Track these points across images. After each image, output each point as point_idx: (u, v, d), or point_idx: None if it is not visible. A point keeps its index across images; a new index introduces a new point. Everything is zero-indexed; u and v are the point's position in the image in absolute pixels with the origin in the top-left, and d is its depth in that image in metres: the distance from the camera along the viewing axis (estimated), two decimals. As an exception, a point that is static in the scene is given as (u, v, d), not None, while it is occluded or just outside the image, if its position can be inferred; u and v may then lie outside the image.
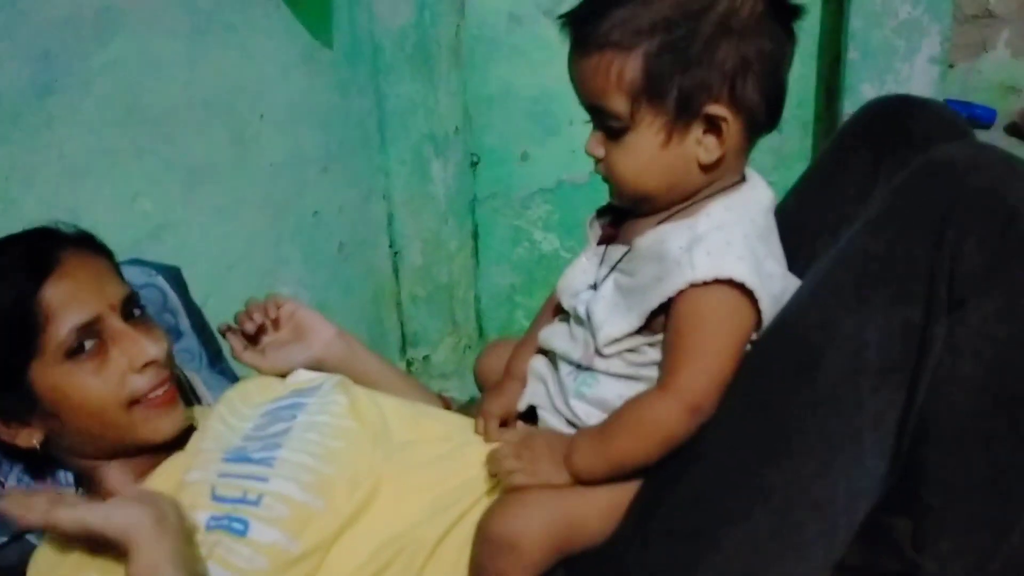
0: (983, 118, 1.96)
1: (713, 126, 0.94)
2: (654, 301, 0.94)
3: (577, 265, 1.07)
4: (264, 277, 1.83)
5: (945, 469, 0.89)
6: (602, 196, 2.24)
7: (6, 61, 1.25)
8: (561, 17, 0.97)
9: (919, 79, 1.87)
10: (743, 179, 1.00)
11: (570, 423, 1.04)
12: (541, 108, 2.32)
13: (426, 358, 2.43)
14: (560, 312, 1.11)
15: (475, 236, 2.49)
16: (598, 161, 0.98)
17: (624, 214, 1.05)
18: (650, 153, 0.95)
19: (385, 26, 2.15)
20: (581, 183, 2.37)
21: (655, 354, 0.98)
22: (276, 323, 1.29)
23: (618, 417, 0.97)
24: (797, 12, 0.94)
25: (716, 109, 0.93)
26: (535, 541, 0.96)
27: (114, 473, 1.09)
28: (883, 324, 0.85)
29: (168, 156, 1.55)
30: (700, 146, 0.95)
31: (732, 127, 0.93)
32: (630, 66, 0.92)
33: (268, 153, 1.81)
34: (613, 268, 1.01)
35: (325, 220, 2.03)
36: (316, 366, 1.28)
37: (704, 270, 0.91)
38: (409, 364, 2.40)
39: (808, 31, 2.06)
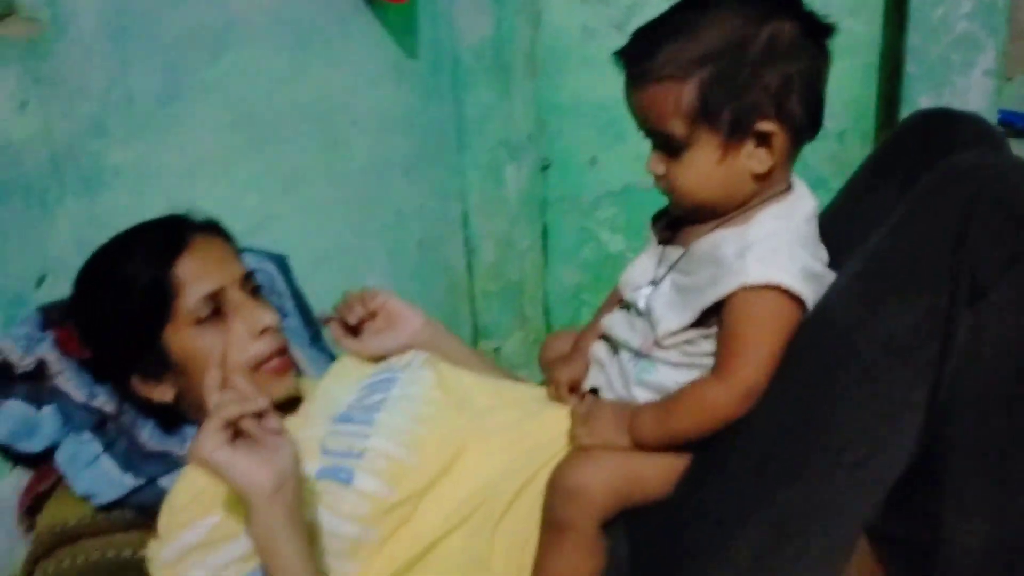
0: (1036, 128, 2.03)
1: (763, 140, 1.04)
2: (708, 300, 1.05)
3: (638, 262, 1.18)
4: (351, 270, 1.97)
5: (967, 436, 0.98)
6: (665, 200, 2.36)
7: (140, 71, 1.41)
8: (616, 54, 1.07)
9: (975, 91, 1.93)
10: (789, 187, 1.10)
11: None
12: (609, 116, 2.40)
13: (497, 350, 2.53)
14: (622, 303, 1.22)
15: (545, 236, 2.59)
16: (659, 177, 1.09)
17: (681, 218, 1.15)
18: (708, 168, 1.04)
19: (465, 39, 2.27)
20: (646, 188, 2.40)
21: (708, 346, 1.08)
22: (372, 314, 1.42)
23: (680, 397, 1.07)
24: (829, 30, 1.04)
25: (765, 125, 1.03)
26: (599, 491, 1.08)
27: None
28: (911, 313, 0.95)
29: (271, 158, 1.70)
30: (752, 159, 1.04)
31: (780, 140, 1.04)
32: (686, 95, 1.01)
33: (357, 157, 1.95)
34: (671, 268, 1.11)
35: (406, 219, 2.16)
36: (406, 350, 1.42)
37: (755, 275, 1.01)
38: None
39: (870, 46, 2.15)
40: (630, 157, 2.44)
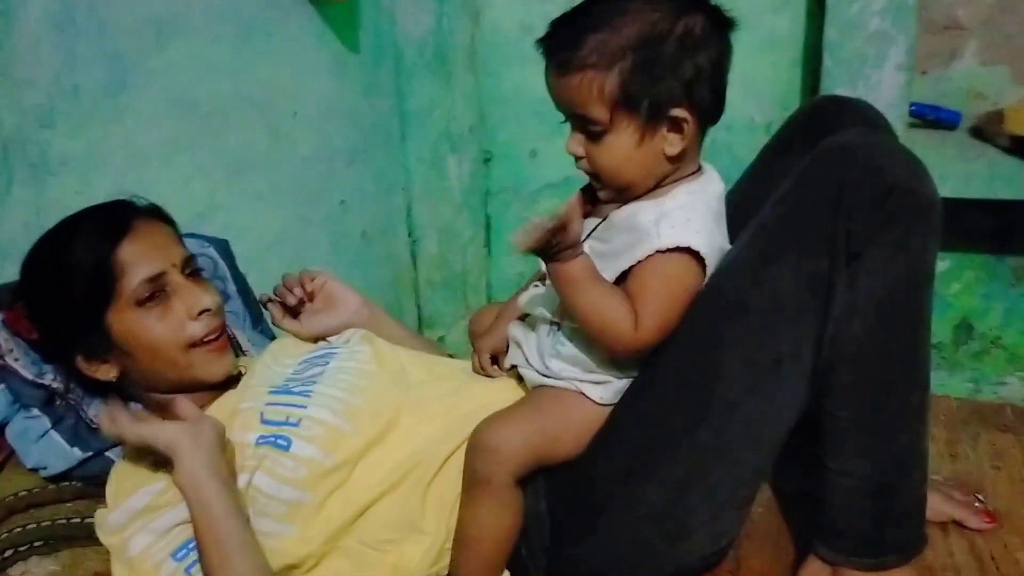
0: (948, 120, 2.12)
1: (676, 125, 1.11)
2: (624, 264, 1.13)
3: None
4: (295, 258, 2.00)
5: (847, 385, 1.09)
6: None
7: (86, 63, 1.44)
8: (538, 42, 1.14)
9: (887, 84, 2.03)
10: (700, 169, 1.18)
11: (545, 376, 1.23)
12: (549, 109, 2.40)
13: (441, 339, 2.59)
14: (542, 279, 1.30)
15: (487, 227, 2.66)
16: (579, 158, 1.15)
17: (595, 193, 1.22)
18: (627, 151, 1.11)
19: (407, 33, 2.34)
20: (586, 179, 2.53)
21: None
22: (311, 295, 1.49)
23: (609, 292, 1.12)
24: (732, 23, 1.13)
25: (679, 112, 1.10)
26: (513, 449, 1.16)
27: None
28: (795, 275, 1.05)
29: (215, 147, 1.74)
30: (666, 142, 1.12)
31: (690, 124, 1.12)
32: (608, 83, 1.08)
33: (300, 147, 2.01)
34: (588, 235, 1.19)
35: (350, 209, 2.22)
36: (345, 330, 1.49)
37: (668, 239, 1.10)
38: (424, 339, 2.58)
39: (793, 41, 2.24)
40: (568, 149, 2.52)
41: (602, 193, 1.17)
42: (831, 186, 1.03)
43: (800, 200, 1.07)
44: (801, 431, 1.13)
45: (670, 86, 1.09)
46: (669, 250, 1.10)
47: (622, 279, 1.15)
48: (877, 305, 1.05)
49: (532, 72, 2.41)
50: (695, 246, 1.10)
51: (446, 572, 1.21)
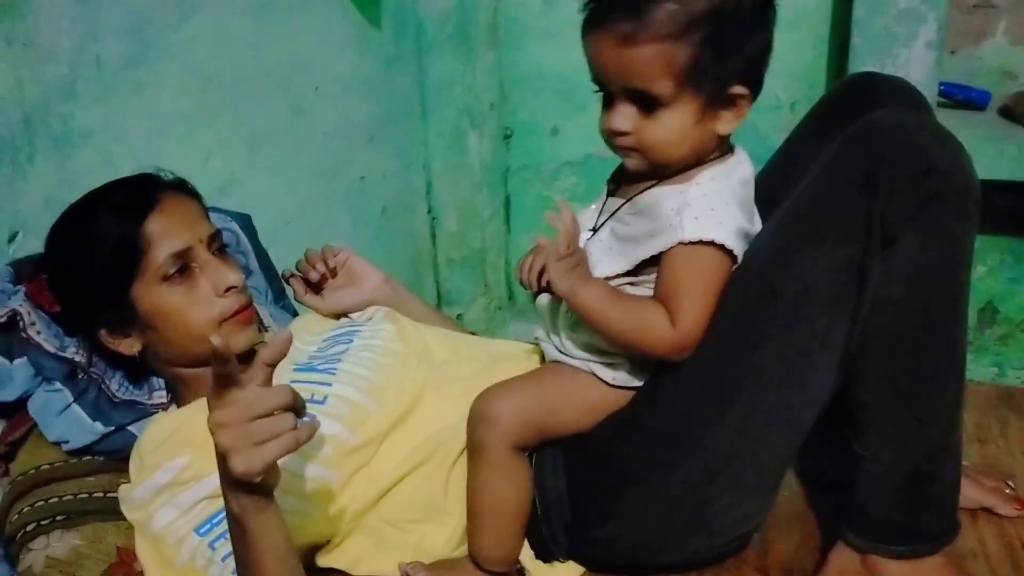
0: (977, 100, 2.09)
1: (733, 103, 1.08)
2: (644, 253, 1.10)
3: (587, 212, 1.23)
4: (315, 234, 2.00)
5: (880, 372, 1.07)
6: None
7: (109, 34, 1.43)
8: (589, 8, 1.06)
9: (917, 63, 2.00)
10: (730, 150, 1.15)
11: (561, 352, 1.21)
12: (571, 86, 2.46)
13: (459, 316, 2.59)
14: None
15: (507, 205, 2.65)
16: (622, 134, 1.08)
17: (625, 172, 1.19)
18: (684, 128, 1.07)
19: (428, 8, 2.33)
20: (607, 157, 2.50)
21: (635, 292, 1.13)
22: (333, 272, 1.48)
23: (634, 304, 1.10)
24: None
25: (740, 89, 1.07)
26: (506, 416, 1.15)
27: (199, 380, 1.26)
28: (829, 260, 1.02)
29: (235, 121, 1.74)
30: (720, 120, 1.08)
31: (746, 103, 1.08)
32: (677, 56, 1.02)
33: (321, 122, 2.00)
34: (611, 216, 1.17)
35: (370, 185, 2.21)
36: (367, 307, 1.48)
37: (690, 232, 1.06)
38: (443, 319, 2.57)
39: (820, 18, 2.22)
40: (591, 127, 2.43)
41: (633, 163, 1.12)
42: (867, 166, 1.00)
43: (835, 181, 1.04)
44: (830, 415, 1.11)
45: (736, 62, 1.05)
46: (692, 243, 1.07)
47: (639, 267, 1.12)
48: (912, 290, 1.03)
49: (555, 48, 2.47)
50: (719, 239, 1.07)
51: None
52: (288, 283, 1.52)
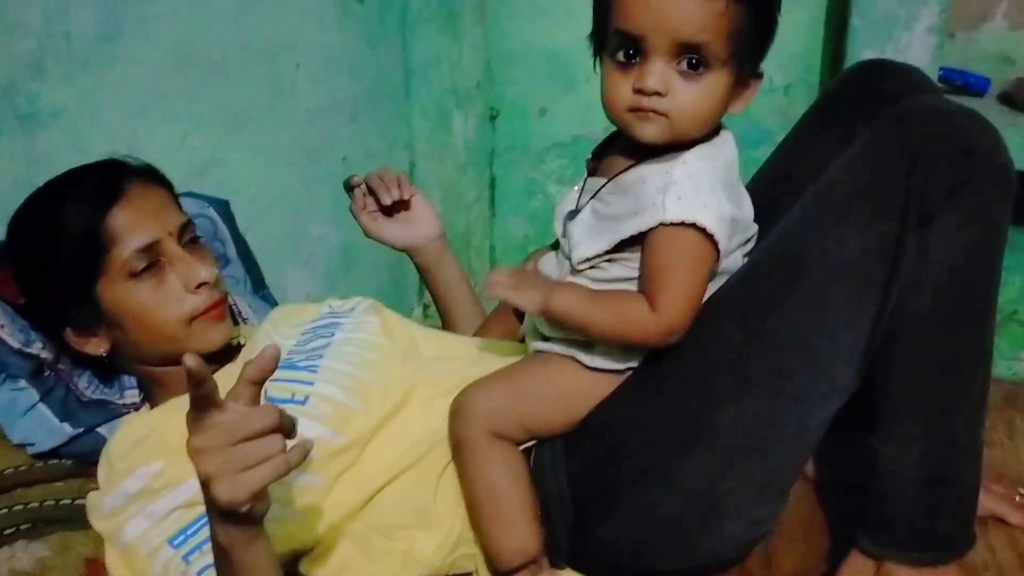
0: (976, 86, 2.04)
1: (747, 85, 1.04)
2: (625, 232, 1.05)
3: (570, 194, 1.18)
4: (296, 215, 1.95)
5: (907, 359, 1.03)
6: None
7: (78, 7, 1.36)
8: None
9: (917, 47, 1.95)
10: (717, 131, 1.09)
11: (543, 339, 1.16)
12: (560, 65, 2.40)
13: (443, 301, 2.54)
14: (553, 247, 1.22)
15: (492, 187, 2.59)
16: (652, 94, 1.00)
17: (606, 149, 1.14)
18: (719, 97, 1.02)
19: (414, -17, 2.26)
20: (595, 138, 2.46)
21: (616, 270, 1.09)
22: (406, 204, 1.43)
23: (611, 296, 1.07)
24: None
25: (759, 71, 1.03)
26: (480, 405, 1.11)
27: (172, 379, 1.20)
28: (862, 237, 0.99)
29: (214, 99, 1.66)
30: (736, 101, 1.04)
31: (756, 88, 1.05)
32: (737, 19, 0.98)
33: (303, 100, 1.92)
34: (592, 196, 1.11)
35: (353, 166, 2.13)
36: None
37: (673, 213, 1.01)
38: (426, 306, 2.52)
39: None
40: (580, 107, 2.45)
41: (652, 131, 1.03)
42: (907, 146, 0.98)
43: (873, 160, 1.00)
44: (846, 413, 1.06)
45: (767, 42, 1.03)
46: (674, 224, 1.02)
47: (620, 247, 1.07)
48: (947, 273, 1.00)
49: (544, 25, 2.40)
50: (701, 222, 1.01)
51: (463, 561, 1.14)
52: (350, 191, 1.46)
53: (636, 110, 1.02)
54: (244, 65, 1.73)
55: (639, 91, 1.01)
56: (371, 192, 1.44)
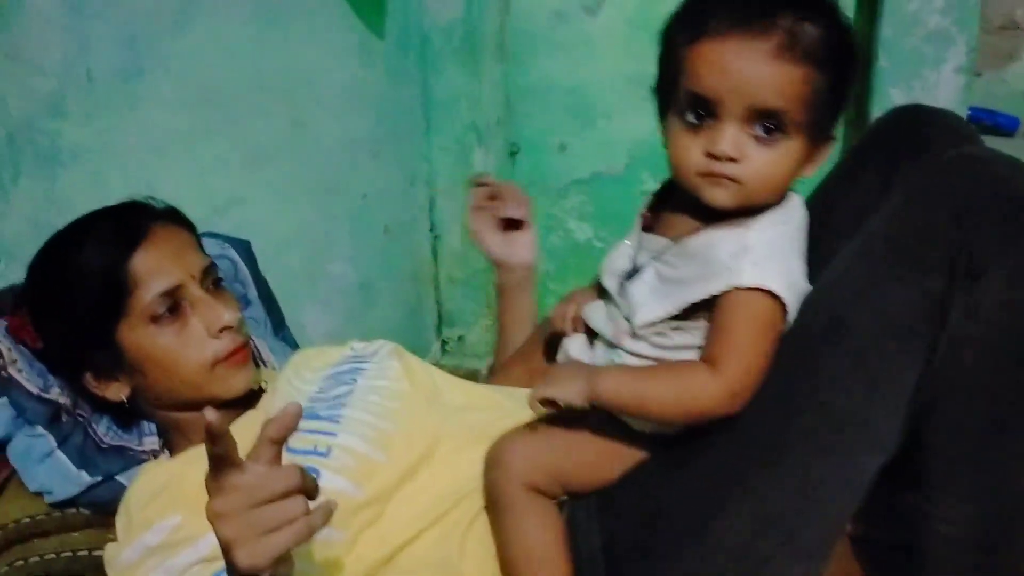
0: (1005, 126, 2.03)
1: (821, 147, 1.01)
2: (695, 296, 1.01)
3: (621, 248, 1.14)
4: (315, 254, 1.93)
5: (955, 416, 0.99)
6: (635, 188, 2.32)
7: (99, 45, 1.35)
8: (730, 7, 0.95)
9: (945, 87, 1.94)
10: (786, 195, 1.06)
11: None
12: (579, 102, 2.39)
13: (460, 338, 2.51)
14: (601, 292, 1.18)
15: (512, 223, 2.57)
16: (724, 159, 0.97)
17: (663, 203, 1.11)
18: (794, 163, 0.99)
19: (434, 19, 2.24)
20: (615, 175, 2.45)
21: (680, 338, 1.05)
22: (519, 224, 1.45)
23: (664, 368, 1.02)
24: None
25: (834, 133, 1.01)
26: (518, 459, 1.07)
27: (193, 425, 1.18)
28: (907, 292, 0.95)
29: (234, 137, 1.65)
30: (810, 164, 1.01)
31: (829, 149, 1.01)
32: (818, 82, 0.95)
33: (323, 137, 1.91)
34: (655, 258, 1.07)
35: (372, 203, 2.12)
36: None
37: (748, 278, 0.98)
38: (444, 343, 2.49)
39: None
40: (599, 144, 2.43)
41: (722, 197, 1.00)
42: (955, 199, 0.94)
43: (918, 213, 0.97)
44: (891, 468, 1.02)
45: (847, 101, 1.00)
46: (749, 289, 0.98)
47: (686, 313, 1.03)
48: (996, 328, 0.95)
49: (563, 62, 2.38)
50: (777, 290, 0.98)
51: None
52: (474, 188, 1.48)
53: (707, 175, 0.99)
54: (264, 102, 1.71)
55: (711, 155, 0.98)
56: (493, 198, 1.46)
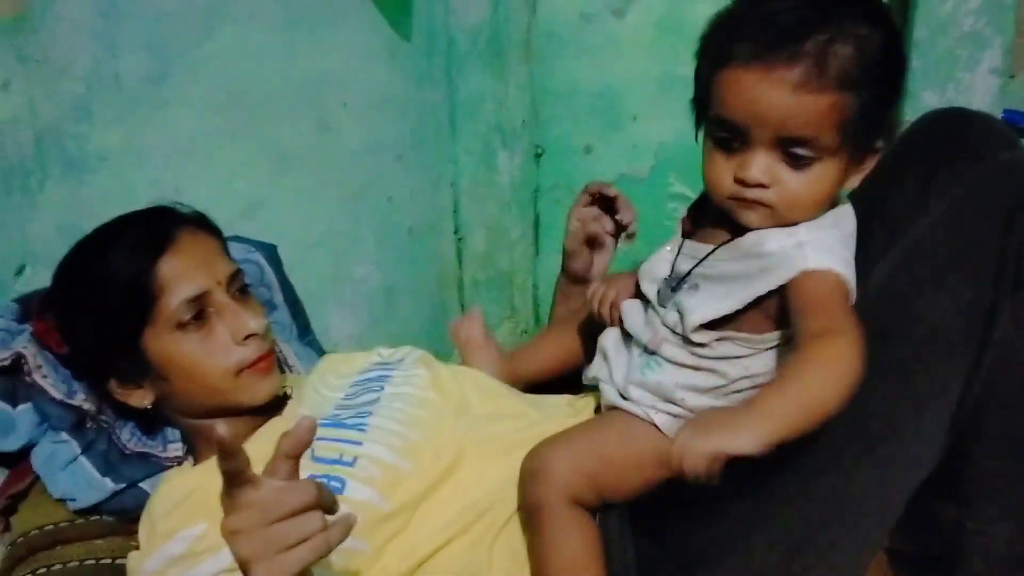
0: (1041, 129, 1.99)
1: (866, 158, 0.99)
2: (761, 288, 0.98)
3: (661, 254, 1.13)
4: (341, 256, 1.92)
5: (1002, 432, 0.97)
6: (661, 191, 2.30)
7: (127, 49, 1.34)
8: (751, 37, 0.93)
9: (980, 89, 1.90)
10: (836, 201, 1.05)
11: (622, 396, 1.11)
12: (606, 104, 2.37)
13: (485, 341, 2.50)
14: (638, 294, 1.16)
15: (536, 225, 2.55)
16: (755, 185, 0.96)
17: (702, 210, 1.09)
18: (830, 185, 0.97)
19: (460, 22, 2.22)
20: (641, 178, 2.43)
21: (723, 349, 1.03)
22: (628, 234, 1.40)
23: (798, 369, 0.91)
24: None
25: (880, 143, 0.98)
26: (560, 468, 1.05)
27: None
28: (953, 302, 0.94)
29: (261, 140, 1.64)
30: (853, 176, 0.99)
31: (876, 158, 0.99)
32: (850, 106, 0.92)
33: (349, 140, 1.90)
34: (701, 262, 1.06)
35: (397, 205, 2.11)
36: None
37: (815, 263, 0.96)
38: (468, 346, 2.48)
39: (873, 38, 2.12)
40: (626, 146, 2.41)
41: (755, 218, 0.99)
42: (1002, 207, 0.93)
43: (964, 221, 0.96)
44: (931, 481, 1.00)
45: (890, 114, 0.97)
46: (818, 270, 0.96)
47: (749, 306, 1.01)
48: None
49: (590, 64, 2.36)
50: (845, 275, 0.96)
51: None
52: (591, 195, 1.43)
53: (738, 199, 0.98)
54: (290, 105, 1.71)
55: (741, 181, 0.97)
56: (604, 200, 1.42)
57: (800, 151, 0.94)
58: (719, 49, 0.96)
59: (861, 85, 0.92)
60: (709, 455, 0.84)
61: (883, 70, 0.93)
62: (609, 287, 1.19)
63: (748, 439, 0.84)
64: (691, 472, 0.85)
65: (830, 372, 0.89)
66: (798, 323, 0.95)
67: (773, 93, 0.92)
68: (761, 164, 0.95)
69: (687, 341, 1.05)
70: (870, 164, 0.99)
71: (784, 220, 0.98)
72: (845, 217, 1.03)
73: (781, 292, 0.98)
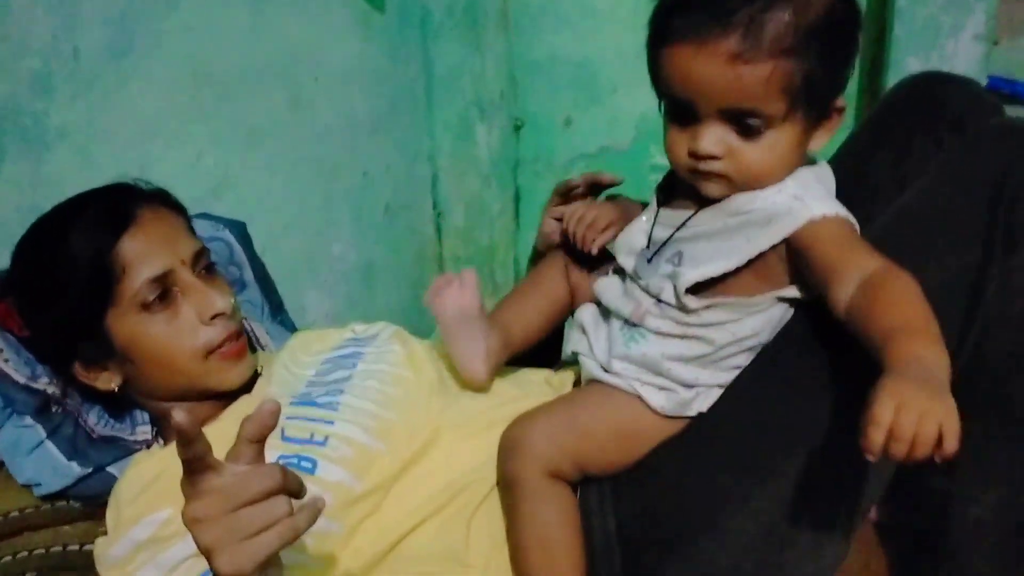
0: (1025, 95, 1.97)
1: (829, 117, 0.98)
2: (764, 243, 0.97)
3: (636, 224, 1.11)
4: (316, 235, 1.89)
5: (989, 398, 0.95)
6: (642, 163, 2.28)
7: (87, 23, 1.30)
8: (684, 16, 0.93)
9: (963, 55, 1.88)
10: (812, 160, 1.04)
11: (604, 369, 1.09)
12: (585, 75, 2.35)
13: (466, 317, 2.48)
14: (615, 269, 1.15)
15: (517, 199, 2.53)
16: (711, 158, 0.96)
17: (677, 180, 1.06)
18: (788, 149, 0.96)
19: (435, -8, 2.20)
20: (622, 150, 2.41)
21: (710, 316, 1.02)
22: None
23: (900, 294, 0.87)
24: None
25: (841, 102, 0.97)
26: (537, 442, 1.04)
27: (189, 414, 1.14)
28: (941, 268, 0.92)
29: (230, 116, 1.61)
30: (816, 138, 0.98)
31: (841, 116, 0.98)
32: (795, 72, 0.91)
33: (321, 115, 1.86)
34: (680, 228, 1.04)
35: (373, 181, 2.08)
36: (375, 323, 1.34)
37: (823, 209, 0.95)
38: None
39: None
40: (606, 118, 2.39)
41: (715, 190, 0.99)
42: (991, 172, 0.91)
43: (953, 186, 0.94)
44: None
45: (844, 73, 0.96)
46: (826, 216, 0.95)
47: (740, 268, 0.99)
48: None
49: (568, 34, 2.33)
50: (852, 218, 0.95)
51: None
52: (561, 197, 1.34)
53: (695, 171, 0.99)
54: (260, 80, 1.67)
55: (694, 154, 0.97)
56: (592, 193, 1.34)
57: (749, 121, 0.94)
58: (660, 26, 0.96)
59: (801, 49, 0.91)
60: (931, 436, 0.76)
61: (830, 31, 0.92)
62: (589, 209, 1.18)
63: (942, 397, 0.78)
64: (925, 438, 0.76)
65: (920, 299, 0.86)
66: (824, 273, 0.93)
67: (708, 66, 0.92)
68: (712, 136, 0.96)
69: (675, 308, 1.04)
70: (837, 122, 0.98)
71: (745, 188, 0.98)
72: (826, 177, 1.03)
73: (775, 250, 0.98)
